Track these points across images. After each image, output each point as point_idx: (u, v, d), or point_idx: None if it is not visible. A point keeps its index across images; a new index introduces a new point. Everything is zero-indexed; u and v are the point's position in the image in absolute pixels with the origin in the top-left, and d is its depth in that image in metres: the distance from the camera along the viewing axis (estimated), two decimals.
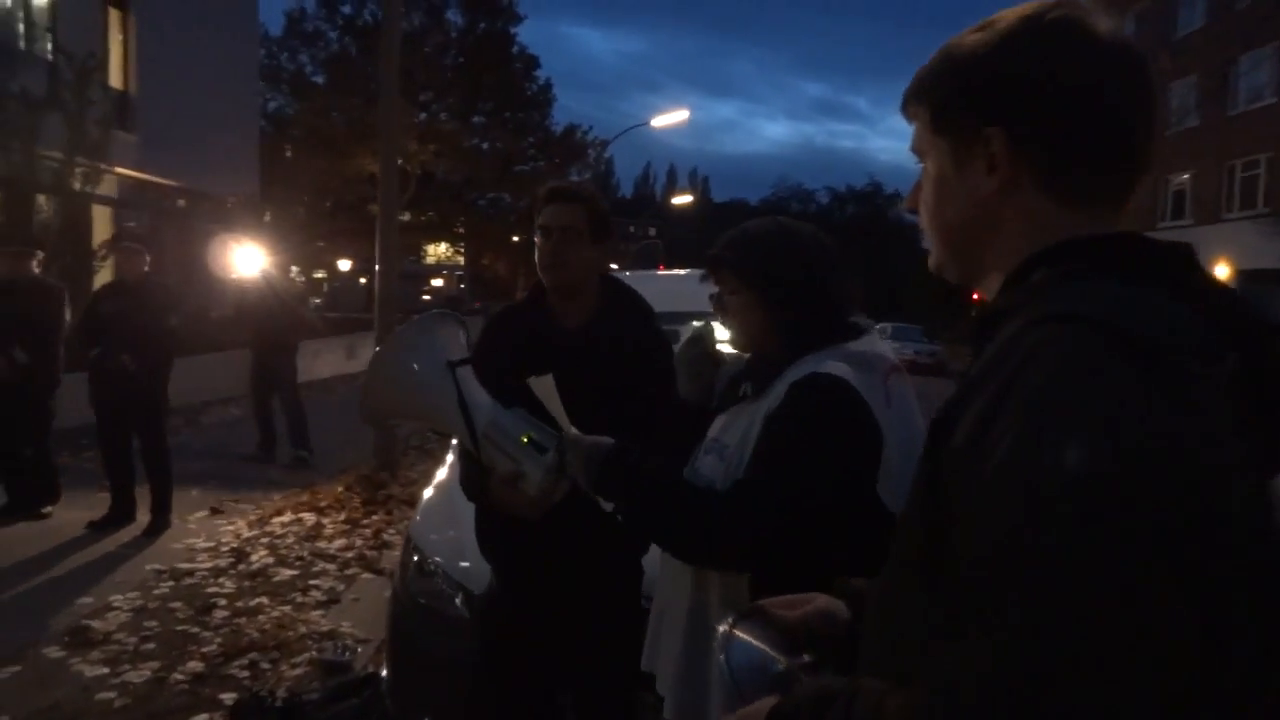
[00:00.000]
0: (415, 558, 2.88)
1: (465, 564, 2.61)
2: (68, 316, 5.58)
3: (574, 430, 1.54)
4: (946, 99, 0.87)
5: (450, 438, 2.14)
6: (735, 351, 1.68)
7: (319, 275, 36.99)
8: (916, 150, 0.93)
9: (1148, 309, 0.71)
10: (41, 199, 11.47)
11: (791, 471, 1.39)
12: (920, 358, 25.72)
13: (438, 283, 51.53)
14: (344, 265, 36.54)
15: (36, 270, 5.54)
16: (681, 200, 37.60)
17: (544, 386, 1.59)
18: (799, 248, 1.55)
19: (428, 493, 3.31)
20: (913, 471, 0.82)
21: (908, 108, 0.93)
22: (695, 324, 1.73)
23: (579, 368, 2.03)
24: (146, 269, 5.52)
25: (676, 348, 1.74)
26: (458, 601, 2.67)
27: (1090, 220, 0.82)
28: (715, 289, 1.64)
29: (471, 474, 1.98)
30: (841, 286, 1.60)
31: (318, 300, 31.20)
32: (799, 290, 1.53)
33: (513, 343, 2.13)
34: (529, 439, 1.59)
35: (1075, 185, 0.82)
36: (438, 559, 2.79)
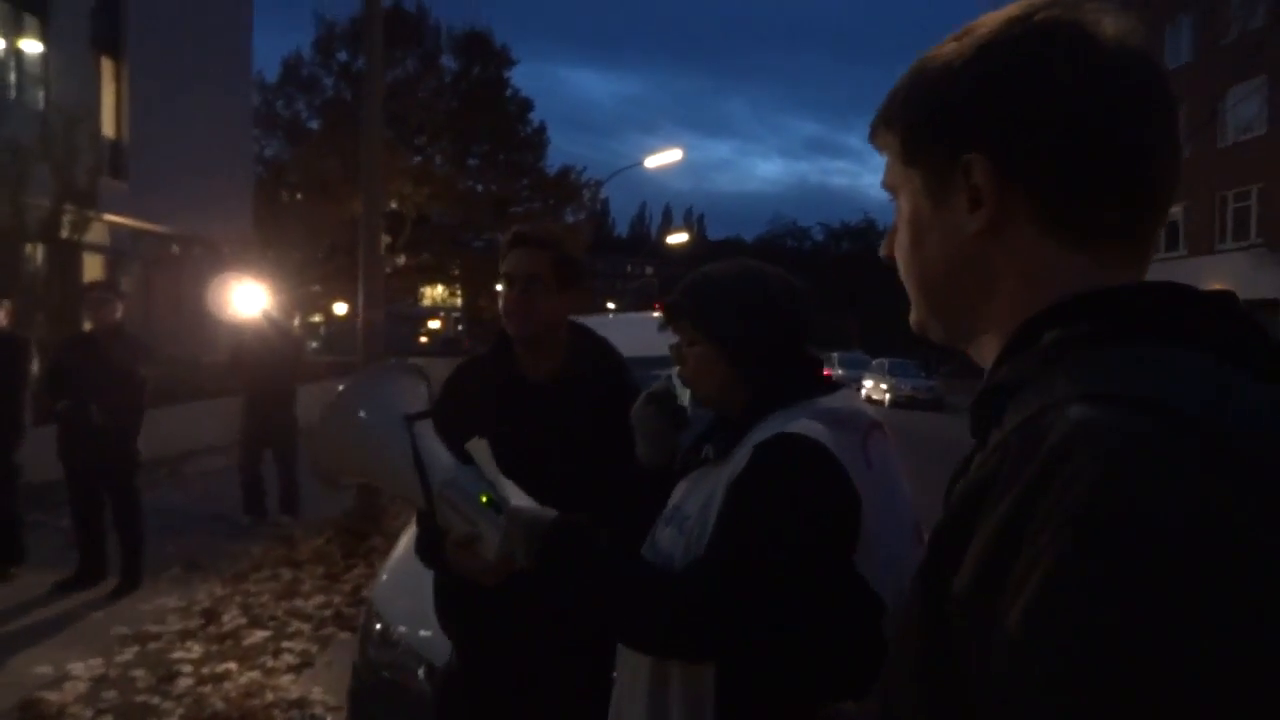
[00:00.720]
0: (378, 625, 2.69)
1: (426, 633, 2.42)
2: (34, 368, 5.41)
3: (516, 500, 1.38)
4: (917, 122, 0.71)
5: (405, 499, 1.99)
6: (701, 409, 1.52)
7: (315, 319, 36.92)
8: (888, 186, 0.77)
9: (1201, 379, 0.55)
10: (30, 247, 11.41)
11: (757, 547, 1.22)
12: (919, 393, 25.63)
13: (434, 325, 51.49)
14: (340, 309, 36.52)
15: (3, 320, 5.39)
16: (677, 239, 37.57)
17: (480, 450, 1.43)
18: (763, 292, 1.39)
19: (395, 553, 3.12)
20: (901, 562, 0.65)
21: (876, 136, 0.77)
22: (659, 376, 1.56)
23: (545, 422, 1.88)
24: (118, 317, 5.36)
25: (634, 407, 1.57)
26: (420, 674, 2.48)
27: (1104, 265, 0.66)
28: (675, 339, 1.48)
29: (427, 537, 1.84)
30: (813, 334, 1.44)
31: (315, 344, 31.13)
32: (763, 341, 1.38)
33: (476, 395, 2.00)
34: (488, 499, 1.45)
35: (1081, 221, 0.65)
36: (401, 628, 2.60)
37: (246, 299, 7.41)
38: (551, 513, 1.33)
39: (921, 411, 23.64)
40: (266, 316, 7.37)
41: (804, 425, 1.30)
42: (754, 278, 1.41)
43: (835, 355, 31.61)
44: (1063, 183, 0.65)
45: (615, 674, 1.45)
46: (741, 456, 1.31)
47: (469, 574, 1.58)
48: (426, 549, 1.87)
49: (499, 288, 2.00)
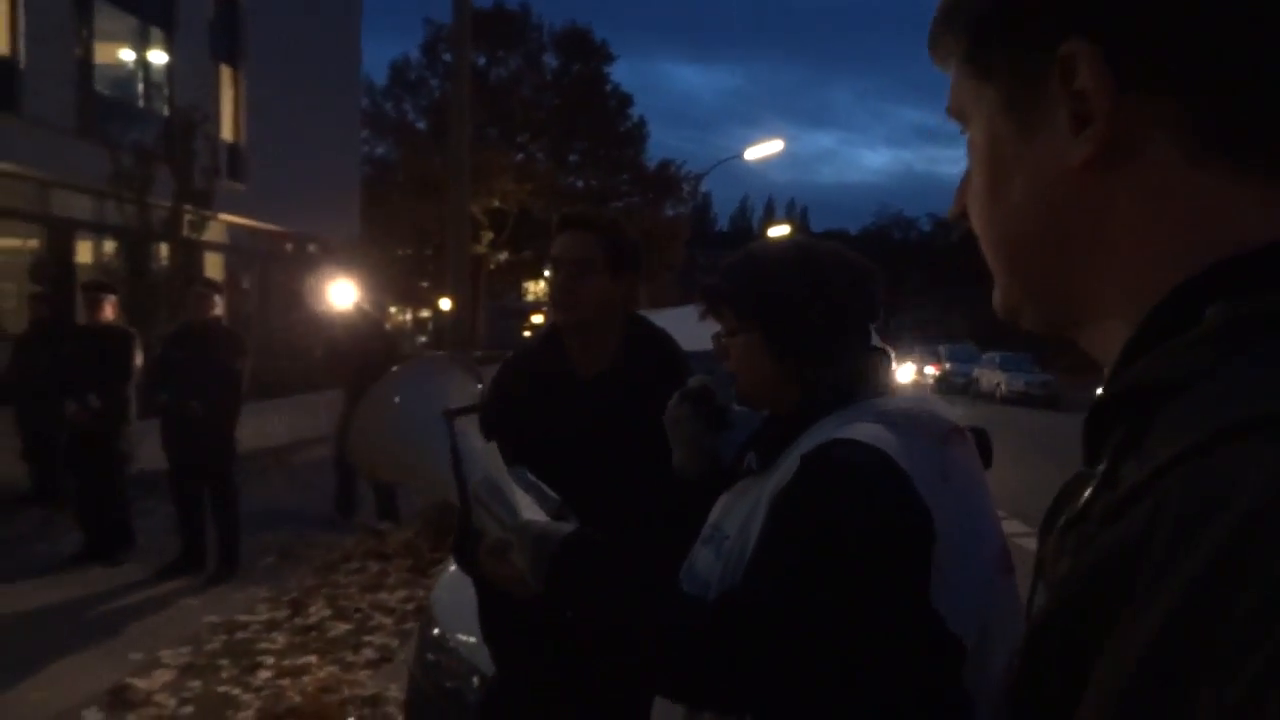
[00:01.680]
0: (434, 630, 2.59)
1: (474, 640, 2.30)
2: (139, 361, 5.61)
3: (529, 512, 1.22)
4: (990, 9, 0.49)
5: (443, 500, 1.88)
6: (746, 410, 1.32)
7: (424, 314, 38.00)
8: (955, 113, 0.55)
9: None
10: (157, 246, 12.03)
11: (802, 577, 1.02)
12: (1032, 389, 24.41)
13: (537, 319, 52.34)
14: (446, 304, 37.50)
15: (110, 313, 5.60)
16: (778, 231, 37.07)
17: (492, 455, 1.29)
18: (816, 272, 1.18)
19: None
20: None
21: (937, 45, 0.55)
22: (693, 377, 1.37)
23: (594, 419, 1.72)
24: (217, 312, 5.49)
25: (668, 407, 1.38)
26: (475, 683, 2.36)
27: None
28: (717, 328, 1.28)
29: (464, 541, 1.72)
30: (876, 320, 1.22)
31: (423, 338, 32.02)
32: (816, 329, 1.16)
33: (524, 391, 1.85)
34: (522, 503, 1.31)
35: (1259, 138, 0.42)
36: (458, 635, 2.49)
37: (340, 293, 7.45)
38: (566, 528, 1.16)
39: (1036, 409, 22.48)
40: (358, 309, 7.37)
41: (864, 430, 1.08)
42: (804, 256, 1.20)
43: (942, 349, 30.47)
44: (1226, 76, 0.41)
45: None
46: (788, 467, 1.10)
47: (502, 583, 1.44)
48: (462, 553, 1.74)
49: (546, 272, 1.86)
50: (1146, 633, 0.33)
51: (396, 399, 1.46)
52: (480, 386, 1.56)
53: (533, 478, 1.40)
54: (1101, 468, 0.42)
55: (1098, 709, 0.34)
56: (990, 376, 26.37)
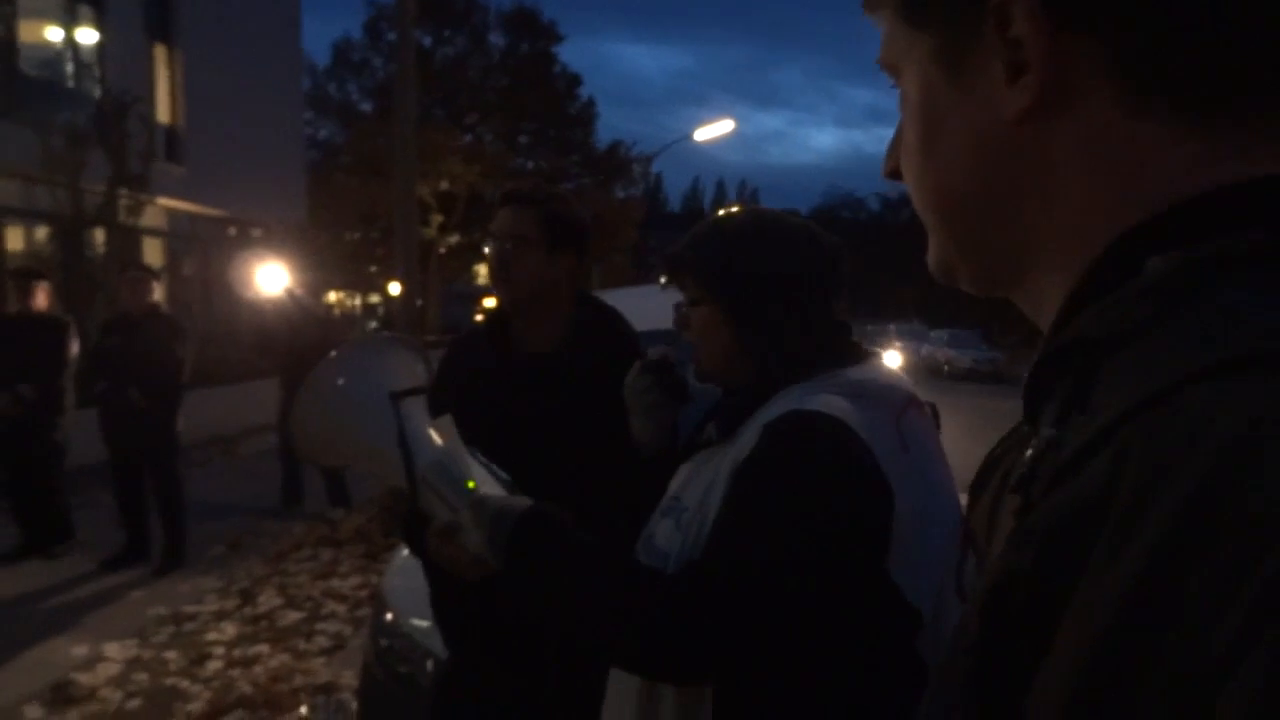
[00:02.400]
0: (387, 615, 2.55)
1: (427, 624, 2.27)
2: (74, 350, 5.42)
3: (486, 487, 1.19)
4: None
5: (389, 483, 1.83)
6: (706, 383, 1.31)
7: (373, 299, 37.43)
8: (887, 65, 0.53)
9: None
10: (93, 232, 11.64)
11: (761, 547, 1.01)
12: (980, 365, 24.92)
13: (490, 303, 51.91)
14: (396, 289, 36.97)
15: (43, 301, 5.40)
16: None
17: (445, 429, 1.26)
18: (779, 243, 1.17)
19: None
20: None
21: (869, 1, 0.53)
22: (652, 349, 1.35)
23: (541, 399, 1.69)
24: (154, 299, 5.32)
25: (627, 378, 1.36)
26: (429, 667, 2.33)
27: (1237, 153, 0.40)
28: (669, 307, 1.27)
29: (412, 524, 1.69)
30: (840, 294, 1.22)
31: (373, 324, 31.52)
32: (778, 300, 1.15)
33: (471, 372, 1.82)
34: (474, 484, 1.29)
35: (1200, 83, 0.40)
36: (412, 620, 2.45)
37: (271, 278, 7.21)
38: (524, 502, 1.14)
39: (980, 383, 22.97)
40: (290, 295, 7.15)
41: (824, 401, 1.08)
42: (769, 227, 1.19)
43: (893, 327, 30.96)
44: (1160, 20, 0.40)
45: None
46: (748, 438, 1.09)
47: (450, 565, 1.42)
48: (410, 537, 1.71)
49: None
50: (1117, 588, 0.31)
51: (340, 381, 1.42)
52: (423, 366, 1.52)
53: (482, 458, 1.38)
54: (1045, 428, 0.41)
55: (1064, 675, 0.32)
56: (938, 354, 26.87)
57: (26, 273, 5.64)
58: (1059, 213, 0.44)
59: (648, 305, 1.85)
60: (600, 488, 1.40)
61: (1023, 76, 0.43)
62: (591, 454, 1.51)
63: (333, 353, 1.47)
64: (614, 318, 1.86)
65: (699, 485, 1.15)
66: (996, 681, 0.36)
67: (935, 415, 1.23)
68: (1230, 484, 0.29)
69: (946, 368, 25.77)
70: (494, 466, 1.38)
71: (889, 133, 0.57)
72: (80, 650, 4.09)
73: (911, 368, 25.60)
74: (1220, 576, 0.28)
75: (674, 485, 1.22)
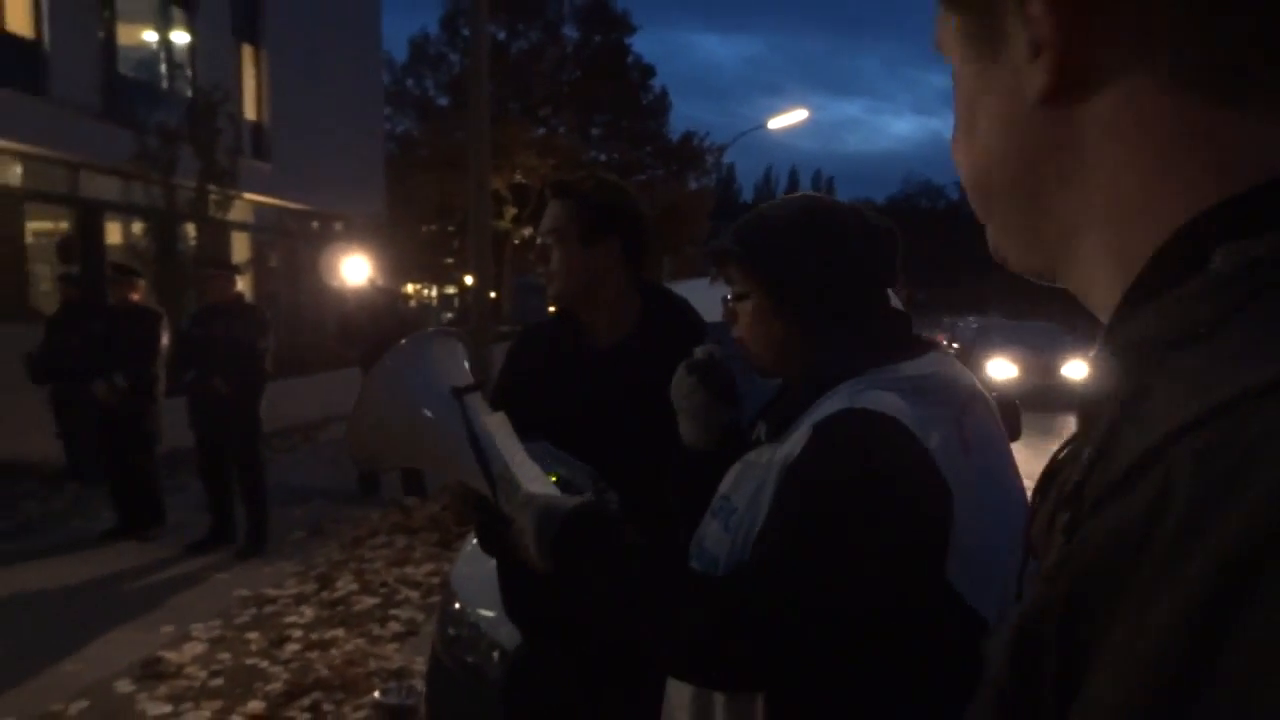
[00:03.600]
0: (455, 605, 2.59)
1: (494, 615, 2.29)
2: (165, 340, 5.66)
3: (534, 485, 1.19)
4: None
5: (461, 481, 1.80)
6: (762, 379, 1.28)
7: (449, 290, 38.13)
8: (939, 47, 0.51)
9: None
10: (184, 227, 12.15)
11: (810, 551, 0.98)
12: None
13: None
14: (470, 280, 37.56)
15: (138, 294, 5.66)
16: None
17: (498, 426, 1.25)
18: (829, 230, 1.13)
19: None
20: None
21: None
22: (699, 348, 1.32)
23: (611, 393, 1.69)
24: (237, 291, 5.52)
25: (674, 378, 1.33)
26: (495, 658, 2.36)
27: None
28: (728, 292, 1.24)
29: (488, 523, 1.67)
30: (896, 284, 1.18)
31: (449, 315, 32.13)
32: (829, 291, 1.12)
33: (539, 364, 1.82)
34: (558, 479, 1.28)
35: (1232, 59, 0.36)
36: (479, 610, 2.49)
37: (353, 270, 7.38)
38: (571, 501, 1.14)
39: None
40: (372, 285, 7.31)
41: (877, 398, 1.04)
42: (817, 213, 1.15)
43: (972, 320, 30.09)
44: None
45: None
46: (799, 437, 1.06)
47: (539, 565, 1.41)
48: (489, 537, 1.69)
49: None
50: (1153, 631, 0.28)
51: (400, 384, 1.37)
52: (462, 352, 1.48)
53: (559, 452, 1.36)
54: (1097, 438, 0.38)
55: (1097, 708, 0.30)
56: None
57: (123, 268, 5.91)
58: (1098, 198, 0.41)
59: (708, 296, 1.83)
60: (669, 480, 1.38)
61: (1041, 56, 0.40)
62: (662, 447, 1.49)
63: (386, 355, 1.42)
64: (684, 308, 1.84)
65: (748, 486, 1.12)
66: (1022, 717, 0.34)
67: (1015, 414, 1.18)
68: (1240, 554, 0.27)
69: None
70: (572, 459, 1.35)
71: None
72: (168, 629, 4.28)
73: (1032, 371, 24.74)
74: (1266, 631, 0.26)
75: (724, 485, 1.20)
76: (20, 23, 11.48)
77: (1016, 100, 0.42)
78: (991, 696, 0.37)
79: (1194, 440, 0.31)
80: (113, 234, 13.07)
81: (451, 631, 2.53)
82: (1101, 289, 0.42)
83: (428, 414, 1.33)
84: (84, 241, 12.27)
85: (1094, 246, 0.42)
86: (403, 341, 1.44)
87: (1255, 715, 0.25)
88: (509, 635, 2.24)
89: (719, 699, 1.07)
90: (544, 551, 1.09)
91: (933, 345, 1.17)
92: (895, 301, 1.21)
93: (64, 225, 12.56)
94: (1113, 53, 0.38)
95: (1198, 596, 0.27)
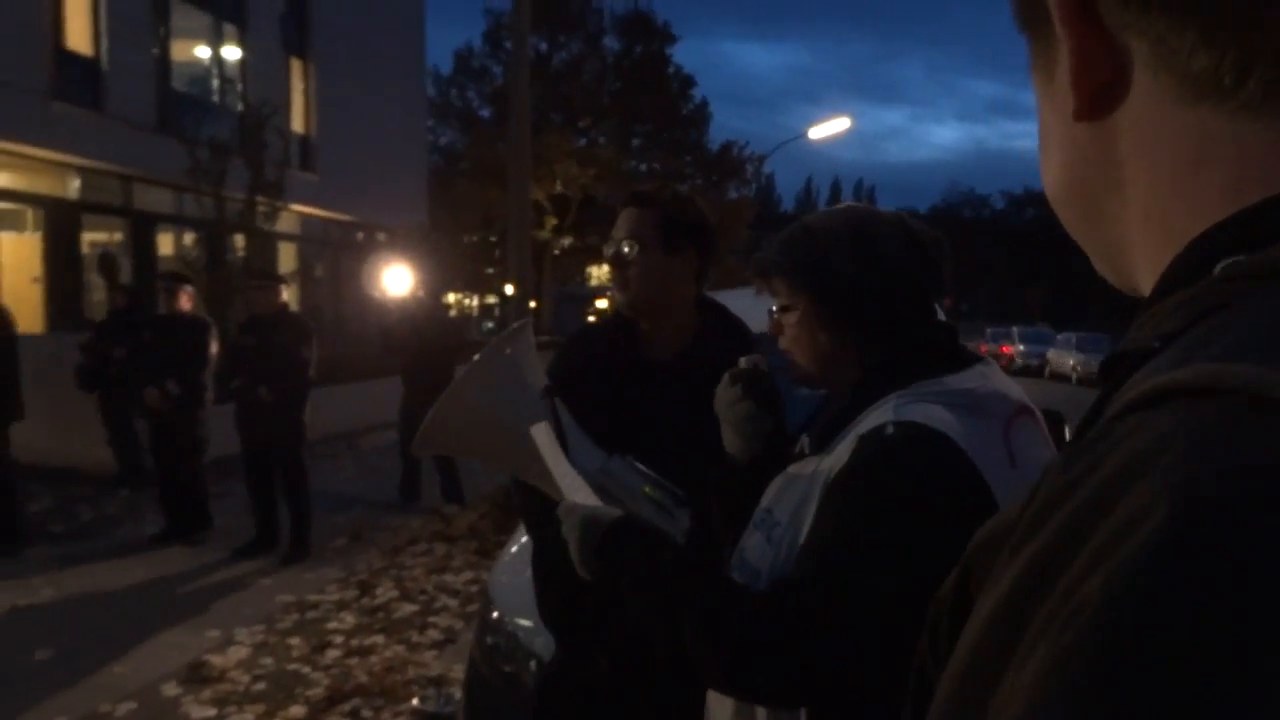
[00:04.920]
0: (494, 614, 2.59)
1: (531, 624, 2.29)
2: (214, 349, 5.77)
3: (577, 496, 1.18)
4: None
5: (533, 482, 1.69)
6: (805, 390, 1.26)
7: (490, 300, 38.47)
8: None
9: None
10: (234, 238, 12.43)
11: (854, 566, 0.97)
12: None
13: (602, 304, 52.56)
14: (510, 290, 37.83)
15: (187, 303, 5.78)
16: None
17: (542, 436, 1.25)
18: (874, 241, 1.12)
19: (516, 538, 3.02)
20: None
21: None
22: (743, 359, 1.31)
23: (671, 407, 1.66)
24: (282, 301, 5.62)
25: (717, 390, 1.32)
26: (532, 667, 2.36)
27: None
28: (773, 305, 1.22)
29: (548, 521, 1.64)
30: (942, 295, 1.15)
31: (490, 324, 32.41)
32: (874, 301, 1.10)
33: (591, 374, 1.79)
34: (649, 493, 1.27)
35: (1244, 70, 0.36)
36: (517, 619, 2.49)
37: (397, 280, 7.46)
38: (614, 512, 1.13)
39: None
40: (415, 297, 7.37)
41: (923, 411, 1.02)
42: (862, 225, 1.13)
43: (1015, 330, 29.60)
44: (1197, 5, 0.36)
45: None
46: (843, 450, 1.05)
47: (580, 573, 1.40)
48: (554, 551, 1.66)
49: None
50: (980, 614, 0.33)
51: (498, 379, 1.36)
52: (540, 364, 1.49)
53: (645, 468, 1.33)
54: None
55: (962, 650, 0.33)
56: (1065, 358, 25.54)
57: (173, 276, 6.05)
58: (1136, 210, 0.42)
59: (748, 307, 1.82)
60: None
61: (1070, 74, 0.41)
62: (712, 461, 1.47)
63: (487, 350, 1.40)
64: (734, 321, 1.83)
65: (792, 498, 1.11)
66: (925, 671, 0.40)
67: (1060, 424, 1.15)
68: (1112, 501, 0.29)
69: (1076, 371, 24.49)
70: (657, 476, 1.32)
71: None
72: (214, 633, 4.35)
73: (1034, 371, 24.33)
74: (1055, 604, 0.29)
75: (767, 497, 1.18)
76: (80, 41, 11.85)
77: (1064, 121, 0.43)
78: (914, 669, 0.42)
79: (1093, 437, 0.33)
80: (164, 245, 13.41)
81: (489, 640, 2.54)
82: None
83: (518, 410, 1.31)
84: (137, 252, 12.60)
85: (1140, 259, 0.43)
86: (513, 330, 1.42)
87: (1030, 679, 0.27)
88: (546, 645, 2.24)
89: (762, 713, 1.05)
90: (586, 562, 1.09)
91: (979, 358, 1.15)
92: (940, 313, 1.19)
93: (118, 236, 12.91)
94: (1130, 70, 0.39)
95: (1006, 591, 0.31)
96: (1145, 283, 0.43)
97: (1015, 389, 1.13)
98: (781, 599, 0.99)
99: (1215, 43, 0.36)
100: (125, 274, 11.06)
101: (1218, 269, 0.36)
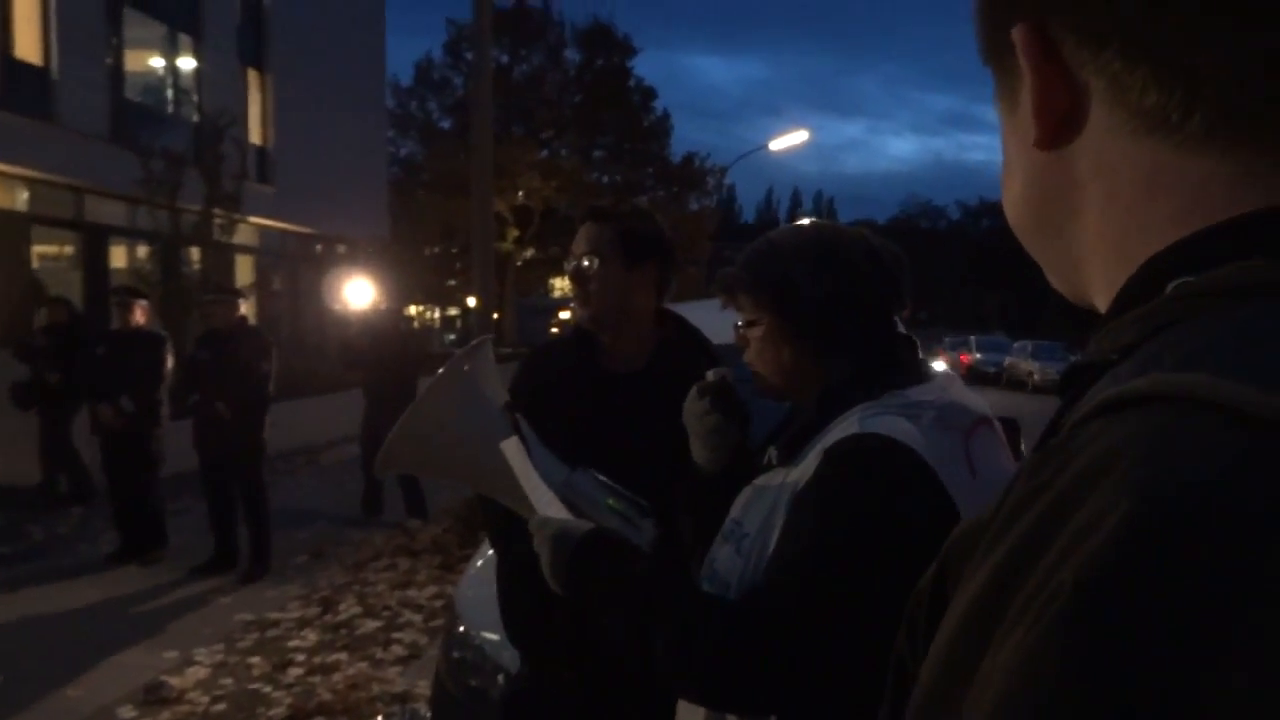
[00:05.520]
0: (460, 628, 2.58)
1: (498, 638, 2.28)
2: (169, 364, 5.67)
3: (548, 509, 1.19)
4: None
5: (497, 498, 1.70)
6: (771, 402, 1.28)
7: (453, 312, 38.22)
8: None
9: None
10: (189, 251, 12.22)
11: (824, 577, 0.99)
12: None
13: (565, 315, 52.53)
14: (473, 302, 37.61)
15: (141, 318, 5.68)
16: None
17: (513, 452, 1.25)
18: (836, 256, 1.14)
19: (482, 551, 3.01)
20: None
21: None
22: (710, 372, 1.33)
23: (632, 420, 1.67)
24: (239, 316, 5.54)
25: (685, 403, 1.34)
26: (499, 681, 2.35)
27: (1251, 176, 0.39)
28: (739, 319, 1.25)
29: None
30: (903, 309, 1.19)
31: (452, 336, 32.19)
32: (838, 315, 1.13)
33: (552, 387, 1.80)
34: (613, 505, 1.27)
35: (1192, 105, 0.39)
36: (483, 633, 2.48)
37: (356, 293, 7.39)
38: (586, 526, 1.14)
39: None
40: (376, 310, 7.31)
41: (887, 423, 1.05)
42: (823, 241, 1.16)
43: (973, 339, 30.14)
44: (1152, 26, 0.39)
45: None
46: (810, 462, 1.07)
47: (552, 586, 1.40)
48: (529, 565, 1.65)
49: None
50: (974, 586, 0.34)
51: (460, 395, 1.34)
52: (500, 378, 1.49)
53: (608, 481, 1.33)
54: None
55: (935, 654, 0.36)
56: (1022, 366, 26.05)
57: (127, 290, 5.94)
58: (1093, 233, 0.45)
59: (711, 319, 1.84)
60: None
61: (1032, 105, 0.44)
62: (676, 475, 1.48)
63: (447, 365, 1.38)
64: (695, 334, 1.85)
65: (760, 509, 1.13)
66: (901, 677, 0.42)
67: (1016, 432, 1.19)
68: (1073, 505, 0.32)
69: (1032, 379, 24.96)
70: (620, 488, 1.33)
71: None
72: (171, 654, 4.26)
73: (990, 379, 24.71)
74: (1021, 601, 0.31)
75: (735, 509, 1.20)
76: (29, 49, 11.61)
77: (1026, 149, 0.46)
78: (893, 664, 0.44)
79: (1057, 445, 0.35)
80: (117, 258, 13.14)
81: (456, 654, 2.52)
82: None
83: (480, 427, 1.30)
84: (89, 266, 12.33)
85: (1095, 277, 0.46)
86: (472, 346, 1.40)
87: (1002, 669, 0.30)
88: (513, 659, 2.23)
89: None
90: (557, 576, 1.10)
91: (939, 370, 1.18)
92: (901, 328, 1.22)
93: (69, 250, 12.63)
94: (1088, 104, 0.42)
95: (982, 585, 0.33)
96: (1099, 298, 0.46)
97: (975, 400, 1.16)
98: (751, 609, 1.01)
99: (1164, 83, 0.39)
100: (76, 291, 10.80)
101: (1169, 288, 0.39)
